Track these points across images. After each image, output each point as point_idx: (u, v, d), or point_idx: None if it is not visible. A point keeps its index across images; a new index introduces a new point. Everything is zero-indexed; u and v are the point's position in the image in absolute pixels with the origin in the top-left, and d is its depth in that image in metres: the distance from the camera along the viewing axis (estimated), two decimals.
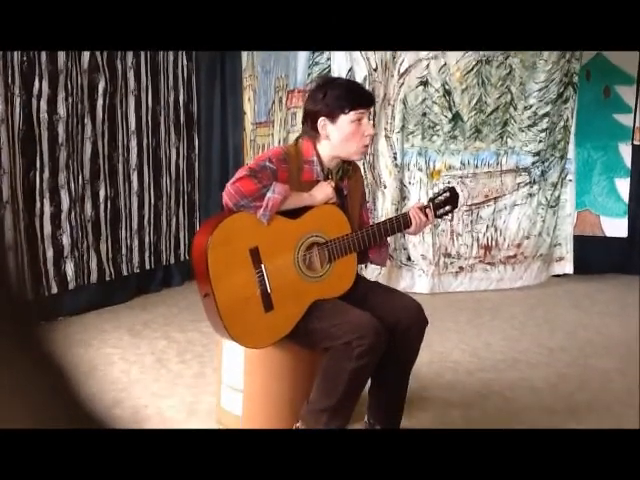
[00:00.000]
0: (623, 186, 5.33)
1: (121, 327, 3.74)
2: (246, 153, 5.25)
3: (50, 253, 3.75)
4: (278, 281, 2.07)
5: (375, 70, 4.51)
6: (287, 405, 2.23)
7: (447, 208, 2.31)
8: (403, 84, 4.57)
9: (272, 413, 2.26)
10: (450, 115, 4.67)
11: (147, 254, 4.57)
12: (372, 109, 2.50)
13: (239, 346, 2.19)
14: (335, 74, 4.39)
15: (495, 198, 4.86)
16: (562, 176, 5.02)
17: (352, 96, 2.12)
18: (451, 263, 4.82)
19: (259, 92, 5.12)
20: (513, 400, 2.77)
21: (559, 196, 5.04)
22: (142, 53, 4.35)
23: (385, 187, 4.67)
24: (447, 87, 4.62)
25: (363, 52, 4.47)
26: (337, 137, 2.13)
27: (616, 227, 5.37)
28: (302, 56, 4.67)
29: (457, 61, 4.59)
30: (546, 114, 4.81)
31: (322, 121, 2.12)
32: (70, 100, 3.79)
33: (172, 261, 4.82)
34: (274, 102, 5.00)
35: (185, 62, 4.77)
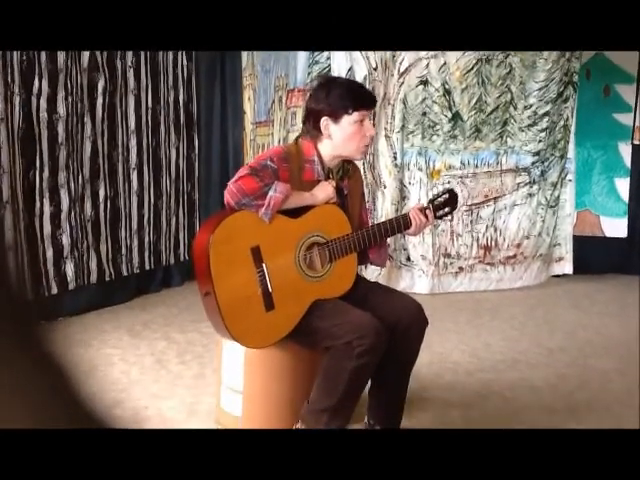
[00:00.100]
0: (623, 186, 5.32)
1: (121, 327, 3.73)
2: (246, 153, 5.24)
3: (50, 253, 3.74)
4: (279, 280, 2.07)
5: (375, 69, 4.51)
6: (287, 405, 2.23)
7: (446, 209, 2.32)
8: (403, 83, 4.57)
9: (272, 414, 2.26)
10: (450, 114, 4.66)
11: (147, 254, 4.56)
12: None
13: (239, 347, 2.19)
14: (335, 73, 4.38)
15: (495, 198, 4.86)
16: (562, 176, 5.01)
17: (356, 97, 2.12)
18: (451, 263, 4.82)
19: (259, 91, 5.12)
20: (513, 400, 2.77)
21: (559, 196, 5.03)
22: (142, 52, 4.35)
23: (385, 187, 4.67)
24: (447, 86, 4.62)
25: (363, 51, 4.47)
26: (339, 137, 2.13)
27: (616, 227, 5.36)
28: (302, 55, 4.67)
29: (457, 60, 4.58)
30: (546, 113, 4.81)
31: (325, 121, 2.12)
32: (70, 99, 3.78)
33: (172, 261, 4.81)
34: (274, 101, 5.00)
35: (185, 62, 4.77)
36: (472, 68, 4.62)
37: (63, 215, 3.81)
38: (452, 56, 4.57)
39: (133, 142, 4.34)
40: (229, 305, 2.01)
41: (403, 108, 4.59)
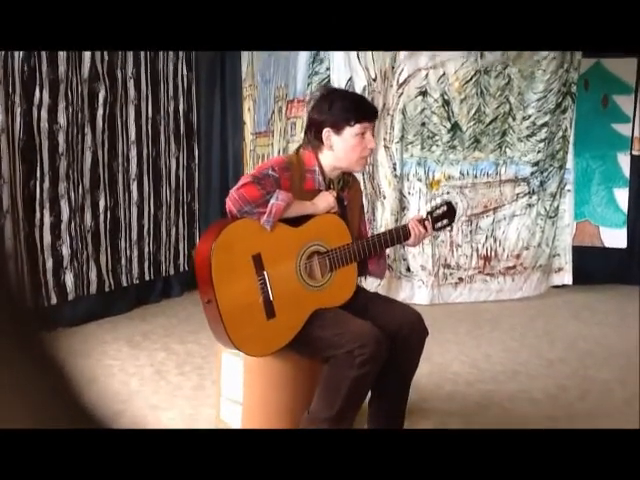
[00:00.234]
0: (622, 196, 5.33)
1: (120, 338, 3.72)
2: (246, 163, 5.25)
3: (50, 264, 3.74)
4: (280, 288, 2.07)
5: (374, 80, 4.53)
6: (287, 416, 2.22)
7: (445, 222, 2.33)
8: (402, 94, 4.59)
9: (272, 424, 2.24)
10: (449, 125, 4.68)
11: (147, 265, 4.56)
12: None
13: (238, 358, 2.18)
14: (335, 84, 4.40)
15: (494, 208, 4.86)
16: (561, 186, 5.02)
17: (358, 109, 2.14)
18: (450, 274, 4.82)
19: (259, 102, 5.13)
20: (513, 411, 2.76)
21: (558, 206, 5.04)
22: (142, 62, 4.37)
23: (384, 197, 4.67)
24: (446, 97, 4.64)
25: (362, 62, 4.50)
26: (340, 148, 2.15)
27: (615, 238, 5.37)
28: (302, 66, 4.69)
29: (456, 71, 4.61)
30: (545, 124, 4.83)
31: (327, 132, 2.14)
32: (70, 109, 3.80)
33: (172, 272, 4.81)
34: (274, 112, 5.02)
35: (185, 72, 4.79)
36: (471, 79, 4.64)
37: (63, 225, 3.81)
38: (451, 67, 4.60)
39: (133, 152, 4.35)
40: (230, 312, 2.01)
41: (402, 119, 4.61)
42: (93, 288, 4.06)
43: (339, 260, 2.14)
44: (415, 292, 4.75)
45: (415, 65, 4.56)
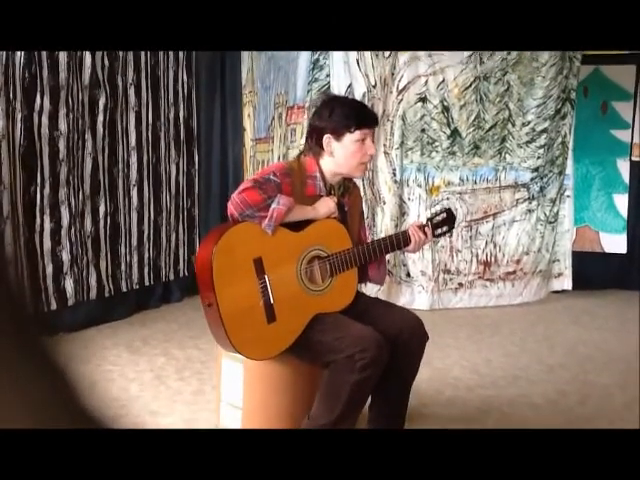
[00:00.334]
0: (621, 202, 5.34)
1: (120, 343, 3.72)
2: (246, 169, 5.26)
3: (50, 269, 3.74)
4: (281, 292, 2.07)
5: (374, 86, 4.54)
6: (287, 421, 2.22)
7: (444, 229, 2.34)
8: (402, 100, 4.60)
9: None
10: (449, 131, 4.69)
11: (146, 270, 4.56)
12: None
13: (238, 363, 2.18)
14: (334, 90, 4.41)
15: (494, 214, 4.87)
16: (560, 192, 5.03)
17: (358, 116, 2.16)
18: (450, 279, 4.82)
19: (259, 108, 5.14)
20: (513, 416, 2.76)
21: (558, 212, 5.04)
22: (143, 69, 4.38)
23: (384, 203, 4.68)
24: (445, 103, 4.65)
25: (362, 69, 4.51)
26: (341, 154, 2.16)
27: (615, 243, 5.37)
28: (302, 72, 4.71)
29: (455, 77, 4.62)
30: (544, 130, 4.84)
31: (327, 138, 2.15)
32: (71, 116, 3.81)
33: (171, 277, 4.81)
34: (274, 118, 5.03)
35: (185, 78, 4.80)
36: (470, 85, 4.66)
37: (63, 231, 3.81)
38: (450, 73, 4.61)
39: (133, 158, 4.36)
40: (231, 316, 2.02)
41: (402, 125, 4.62)
42: (93, 293, 4.06)
43: (340, 265, 2.15)
44: (415, 297, 4.75)
45: (415, 72, 4.57)
